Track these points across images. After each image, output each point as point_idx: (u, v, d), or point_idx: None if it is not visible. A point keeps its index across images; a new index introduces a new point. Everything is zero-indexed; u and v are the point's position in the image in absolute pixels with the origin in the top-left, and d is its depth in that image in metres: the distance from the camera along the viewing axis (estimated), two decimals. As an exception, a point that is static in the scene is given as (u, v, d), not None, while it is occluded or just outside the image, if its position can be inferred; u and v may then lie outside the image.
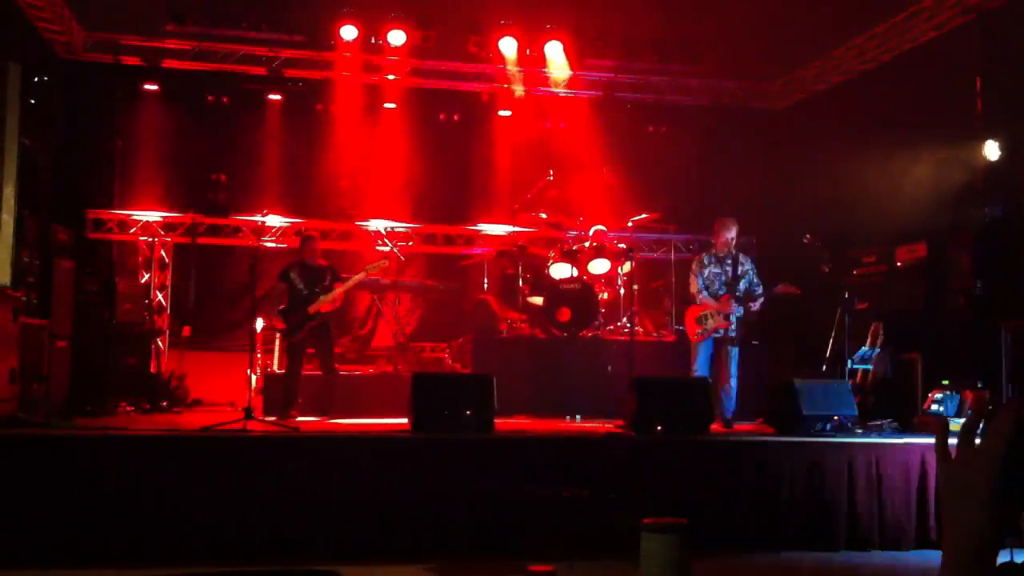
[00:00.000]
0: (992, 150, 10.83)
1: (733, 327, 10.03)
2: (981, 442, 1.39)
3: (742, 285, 10.17)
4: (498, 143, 14.86)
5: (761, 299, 10.19)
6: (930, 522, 7.66)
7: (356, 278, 10.87)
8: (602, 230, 12.44)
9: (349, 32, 13.74)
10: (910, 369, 10.64)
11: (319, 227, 14.27)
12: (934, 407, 9.78)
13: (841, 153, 12.96)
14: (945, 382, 9.93)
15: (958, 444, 1.42)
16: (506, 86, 14.77)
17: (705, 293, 10.22)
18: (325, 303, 10.61)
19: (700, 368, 10.06)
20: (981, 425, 1.40)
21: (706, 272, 10.30)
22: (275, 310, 10.66)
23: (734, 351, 10.05)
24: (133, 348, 11.76)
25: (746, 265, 10.32)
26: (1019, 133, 10.49)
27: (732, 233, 10.31)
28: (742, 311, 10.11)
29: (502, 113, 14.97)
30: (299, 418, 9.86)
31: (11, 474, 6.66)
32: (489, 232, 14.61)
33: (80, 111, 13.52)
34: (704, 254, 10.55)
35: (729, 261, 10.27)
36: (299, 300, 10.59)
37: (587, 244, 12.21)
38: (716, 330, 10.03)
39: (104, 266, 13.18)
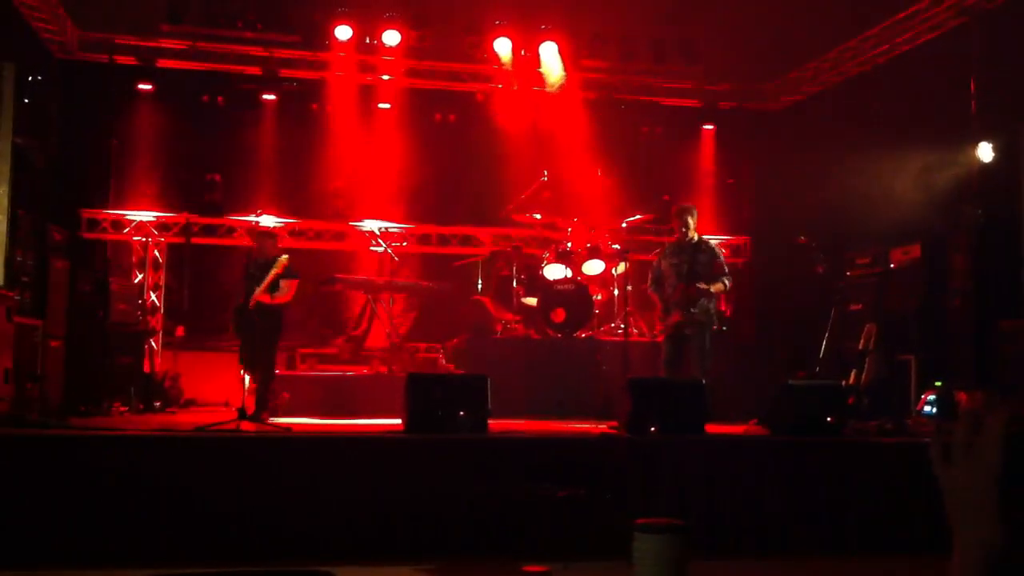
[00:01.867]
0: (986, 151, 10.86)
1: (698, 317, 9.95)
2: (976, 447, 1.39)
3: (700, 271, 10.06)
4: (493, 144, 14.83)
5: (720, 283, 10.06)
6: (926, 524, 7.65)
7: (273, 274, 10.42)
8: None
9: (344, 32, 13.75)
10: (904, 370, 10.67)
11: (314, 227, 14.29)
12: (927, 408, 9.80)
13: (836, 154, 12.99)
14: (938, 383, 9.95)
15: (954, 450, 1.41)
16: (501, 86, 14.77)
17: (653, 287, 10.23)
18: (253, 300, 10.16)
19: (665, 367, 10.03)
20: (976, 429, 1.40)
21: (664, 264, 10.27)
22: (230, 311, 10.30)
23: (702, 342, 9.98)
24: (127, 348, 11.74)
25: (708, 253, 10.24)
26: (1013, 134, 10.52)
27: (692, 220, 10.26)
28: (705, 300, 10.00)
29: (497, 113, 14.97)
30: (287, 419, 9.82)
31: (4, 474, 6.64)
32: (484, 233, 14.61)
33: (75, 111, 13.51)
34: (667, 245, 10.54)
35: (689, 249, 10.20)
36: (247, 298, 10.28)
37: (570, 244, 12.23)
38: (676, 323, 9.98)
39: (98, 266, 13.18)
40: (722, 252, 10.53)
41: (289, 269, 10.30)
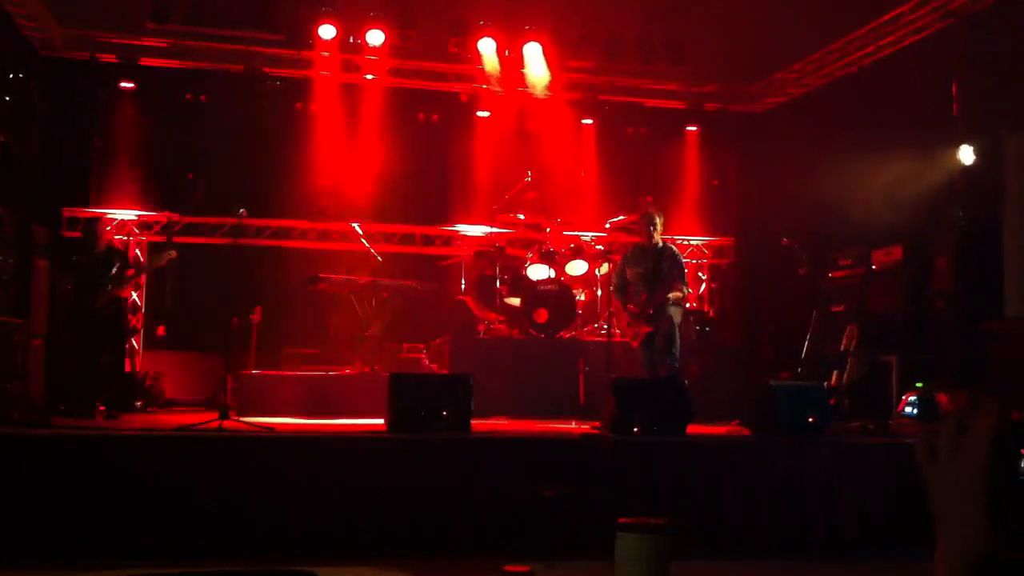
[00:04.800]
0: (968, 154, 10.91)
1: (664, 323, 10.01)
2: (964, 447, 1.39)
3: (664, 278, 10.08)
4: (477, 144, 14.83)
5: (679, 292, 10.09)
6: (909, 524, 7.67)
7: (147, 268, 10.19)
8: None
9: (328, 31, 13.68)
10: (886, 371, 10.70)
11: (297, 226, 14.24)
12: (908, 409, 9.83)
13: (820, 156, 13.01)
14: (920, 384, 9.99)
15: (941, 449, 1.41)
16: (485, 87, 14.75)
17: (618, 293, 10.26)
18: (112, 294, 10.07)
19: (646, 371, 10.08)
20: (963, 428, 1.40)
21: (629, 271, 10.27)
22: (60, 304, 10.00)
23: (671, 339, 10.04)
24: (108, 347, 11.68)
25: (671, 259, 10.25)
26: (996, 137, 10.57)
27: (657, 224, 10.26)
28: (667, 306, 10.05)
29: (481, 114, 14.97)
30: (270, 419, 9.79)
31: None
32: (467, 233, 14.60)
33: (58, 108, 13.43)
34: (629, 251, 10.53)
35: (653, 255, 10.21)
36: (84, 291, 10.01)
37: (553, 245, 12.25)
38: (645, 335, 10.05)
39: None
40: (683, 259, 10.52)
41: (129, 260, 10.17)
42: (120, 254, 10.43)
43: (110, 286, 10.07)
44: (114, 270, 10.16)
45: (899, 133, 11.66)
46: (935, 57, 11.65)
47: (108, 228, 10.73)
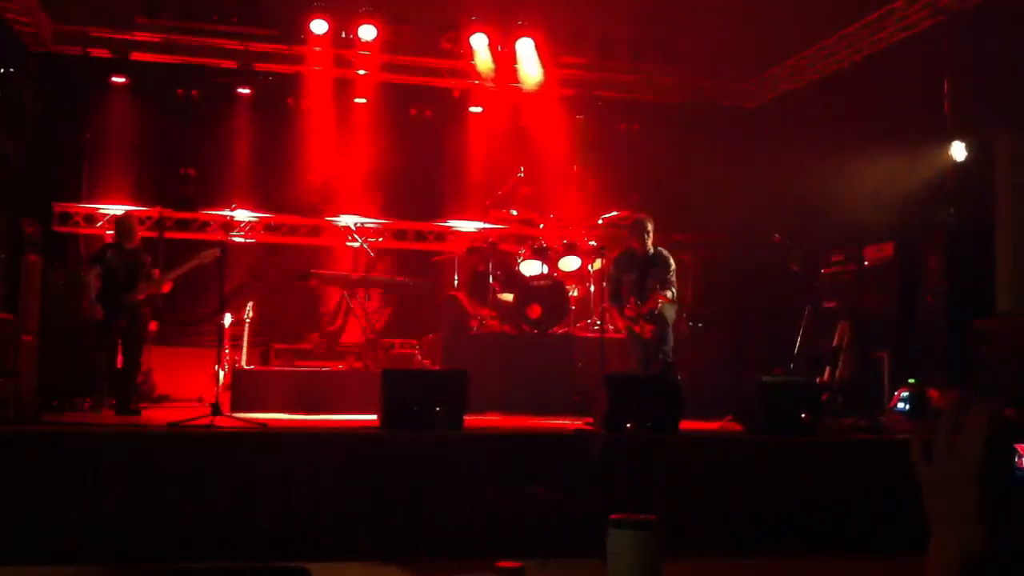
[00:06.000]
0: (959, 151, 10.92)
1: (659, 323, 10.06)
2: (958, 446, 1.38)
3: (654, 285, 10.10)
4: (470, 139, 14.82)
5: (667, 295, 10.10)
6: (899, 522, 7.68)
7: (187, 265, 10.18)
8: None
9: (319, 26, 13.66)
10: (878, 368, 10.71)
11: (289, 222, 14.21)
12: (900, 405, 9.85)
13: (812, 152, 13.03)
14: (911, 380, 10.00)
15: (934, 447, 1.41)
16: (478, 83, 14.74)
17: (612, 301, 10.29)
18: (149, 290, 10.05)
19: (640, 368, 10.12)
20: (957, 427, 1.40)
21: (624, 278, 10.27)
22: (90, 298, 9.83)
23: (663, 340, 10.09)
24: (100, 343, 11.63)
25: (662, 265, 10.24)
26: (987, 134, 10.58)
27: (648, 232, 10.27)
28: (659, 310, 10.07)
29: (474, 109, 14.96)
30: (263, 415, 9.78)
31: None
32: (460, 229, 14.58)
33: (49, 104, 13.39)
34: (620, 255, 10.51)
35: (644, 263, 10.21)
36: (116, 287, 9.93)
37: (546, 241, 12.25)
38: (646, 335, 10.09)
39: (71, 260, 13.07)
40: (673, 264, 10.47)
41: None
42: (147, 252, 10.35)
43: (143, 283, 10.02)
44: (147, 268, 10.10)
45: (891, 130, 11.68)
46: (926, 54, 11.66)
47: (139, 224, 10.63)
